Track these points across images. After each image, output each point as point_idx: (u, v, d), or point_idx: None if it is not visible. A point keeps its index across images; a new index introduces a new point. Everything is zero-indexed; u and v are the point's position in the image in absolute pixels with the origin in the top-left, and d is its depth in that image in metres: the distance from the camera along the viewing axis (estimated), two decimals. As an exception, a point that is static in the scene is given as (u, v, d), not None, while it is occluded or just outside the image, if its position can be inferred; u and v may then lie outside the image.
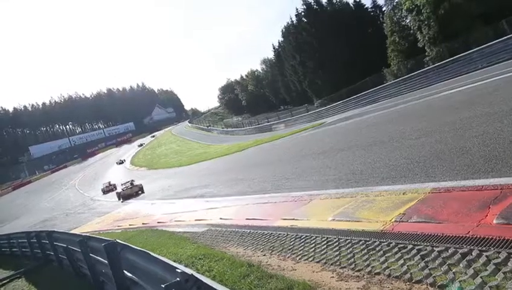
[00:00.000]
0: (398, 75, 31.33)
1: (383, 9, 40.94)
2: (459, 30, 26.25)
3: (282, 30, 58.83)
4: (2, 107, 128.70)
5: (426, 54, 29.63)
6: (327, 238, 5.31)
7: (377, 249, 4.36)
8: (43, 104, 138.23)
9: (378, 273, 3.83)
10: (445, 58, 24.33)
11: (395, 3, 35.49)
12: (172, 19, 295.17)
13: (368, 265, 4.09)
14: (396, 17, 35.05)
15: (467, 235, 3.72)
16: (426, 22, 28.98)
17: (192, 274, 2.72)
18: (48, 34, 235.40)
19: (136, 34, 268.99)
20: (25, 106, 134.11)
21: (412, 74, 26.36)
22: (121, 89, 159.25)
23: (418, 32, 30.48)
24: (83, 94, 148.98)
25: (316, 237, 5.53)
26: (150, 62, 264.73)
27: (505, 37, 19.11)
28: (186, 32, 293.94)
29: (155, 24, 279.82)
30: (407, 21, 33.58)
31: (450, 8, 27.03)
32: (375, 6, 46.34)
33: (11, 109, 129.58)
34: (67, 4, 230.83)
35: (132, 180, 27.61)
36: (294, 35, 49.41)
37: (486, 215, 3.96)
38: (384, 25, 36.73)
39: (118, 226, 15.63)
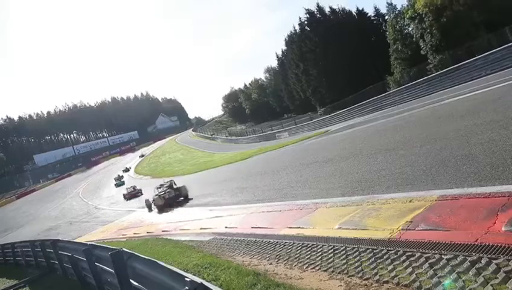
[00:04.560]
0: (402, 83, 31.40)
1: (386, 17, 40.98)
2: (461, 38, 26.35)
3: (285, 39, 59.41)
4: (7, 116, 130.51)
5: (429, 61, 29.70)
6: (334, 246, 5.28)
7: (385, 257, 4.34)
8: (48, 112, 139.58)
9: (387, 282, 3.80)
10: (448, 65, 24.37)
11: (397, 12, 35.68)
12: (176, 28, 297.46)
13: (376, 273, 4.06)
14: (398, 26, 35.17)
15: (476, 243, 3.70)
16: (429, 30, 29.12)
17: (201, 283, 2.70)
18: (53, 43, 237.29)
19: (140, 44, 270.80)
20: (29, 115, 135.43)
21: (415, 81, 26.42)
22: (125, 98, 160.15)
23: (421, 40, 30.60)
24: (88, 103, 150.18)
25: (323, 245, 5.50)
26: (154, 71, 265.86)
27: (508, 44, 19.16)
28: (191, 41, 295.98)
29: (159, 33, 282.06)
30: (410, 29, 33.71)
31: (452, 16, 27.19)
32: (378, 14, 46.44)
33: (16, 118, 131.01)
34: (72, 13, 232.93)
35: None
36: (298, 43, 49.63)
37: (495, 223, 3.93)
38: (387, 33, 36.87)
39: (123, 235, 15.60)
